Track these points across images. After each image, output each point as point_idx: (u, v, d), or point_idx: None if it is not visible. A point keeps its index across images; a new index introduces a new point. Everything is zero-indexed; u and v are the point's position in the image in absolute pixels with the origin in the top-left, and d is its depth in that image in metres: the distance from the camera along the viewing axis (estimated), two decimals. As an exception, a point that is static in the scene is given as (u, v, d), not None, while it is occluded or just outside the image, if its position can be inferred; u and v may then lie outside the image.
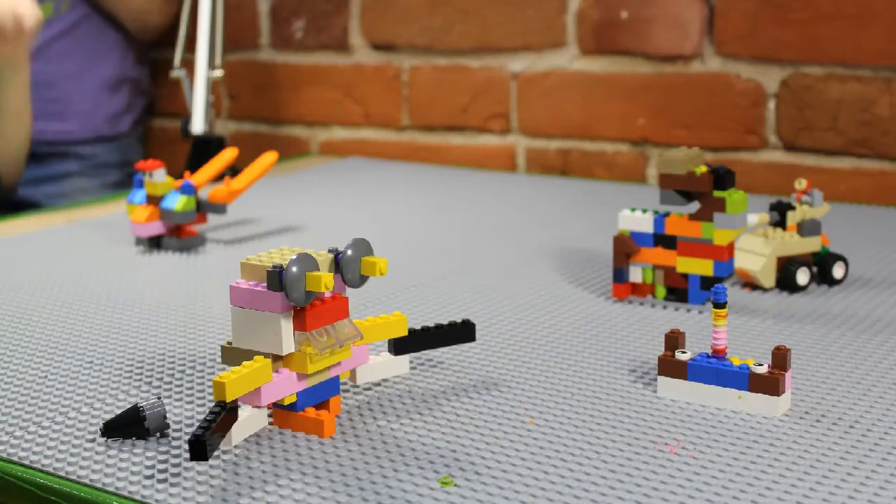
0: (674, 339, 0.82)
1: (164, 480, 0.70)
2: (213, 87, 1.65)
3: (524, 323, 0.99)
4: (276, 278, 0.72)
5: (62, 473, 0.71)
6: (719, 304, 0.79)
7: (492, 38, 1.74)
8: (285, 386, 0.74)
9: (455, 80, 1.78)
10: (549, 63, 1.70)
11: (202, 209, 1.25)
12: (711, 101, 1.59)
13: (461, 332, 0.85)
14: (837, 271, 1.08)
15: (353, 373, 0.82)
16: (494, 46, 1.74)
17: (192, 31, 1.67)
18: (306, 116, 1.93)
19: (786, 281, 1.06)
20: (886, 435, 0.75)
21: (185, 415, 0.79)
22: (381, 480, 0.69)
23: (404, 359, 0.85)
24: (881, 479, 0.68)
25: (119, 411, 0.80)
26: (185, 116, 1.65)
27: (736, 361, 0.79)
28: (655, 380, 0.84)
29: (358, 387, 0.84)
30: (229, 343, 0.76)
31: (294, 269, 0.72)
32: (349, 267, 0.76)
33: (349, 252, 0.76)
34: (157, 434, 0.76)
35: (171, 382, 0.86)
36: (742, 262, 1.07)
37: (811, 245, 1.07)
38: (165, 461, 0.72)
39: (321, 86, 1.91)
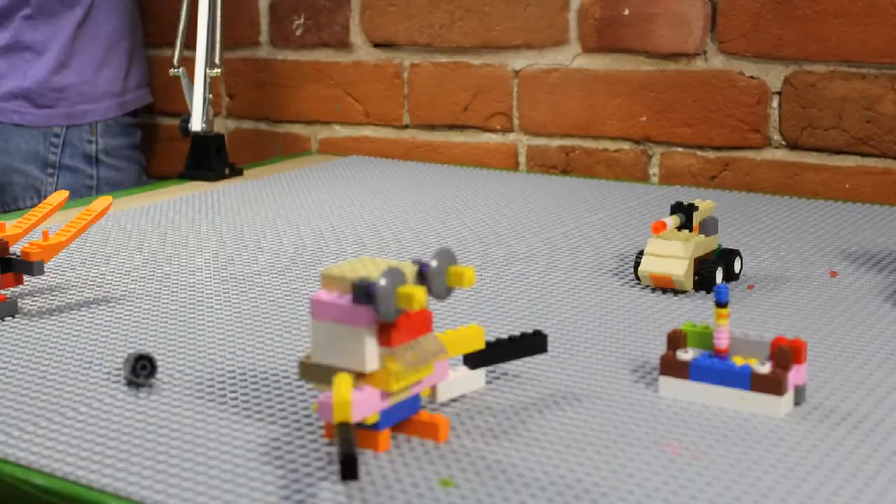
0: (676, 339, 0.81)
1: (163, 481, 0.69)
2: (211, 85, 1.65)
3: (524, 323, 0.98)
4: (364, 292, 0.68)
5: (60, 474, 0.71)
6: (721, 304, 0.78)
7: (493, 35, 1.73)
8: (369, 404, 0.71)
9: (456, 78, 1.78)
10: (550, 61, 1.70)
11: (14, 269, 1.03)
12: (714, 99, 1.59)
13: (535, 344, 0.83)
14: (737, 266, 1.08)
15: (433, 389, 0.79)
16: (496, 44, 1.74)
17: (192, 30, 1.66)
18: (306, 114, 1.93)
19: (705, 282, 1.05)
20: (890, 435, 0.74)
21: (172, 417, 0.79)
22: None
23: (480, 373, 0.83)
24: (885, 479, 0.68)
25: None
26: (185, 115, 1.65)
27: (738, 361, 0.79)
28: (657, 380, 0.83)
29: (434, 403, 0.81)
30: (308, 357, 0.73)
31: (384, 282, 0.68)
32: (435, 279, 0.72)
33: (434, 263, 0.72)
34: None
35: (170, 382, 0.85)
36: (659, 267, 1.05)
37: (714, 243, 1.08)
38: (164, 461, 0.72)
39: (321, 84, 1.90)
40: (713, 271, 1.05)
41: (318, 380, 0.72)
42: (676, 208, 1.07)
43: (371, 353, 0.70)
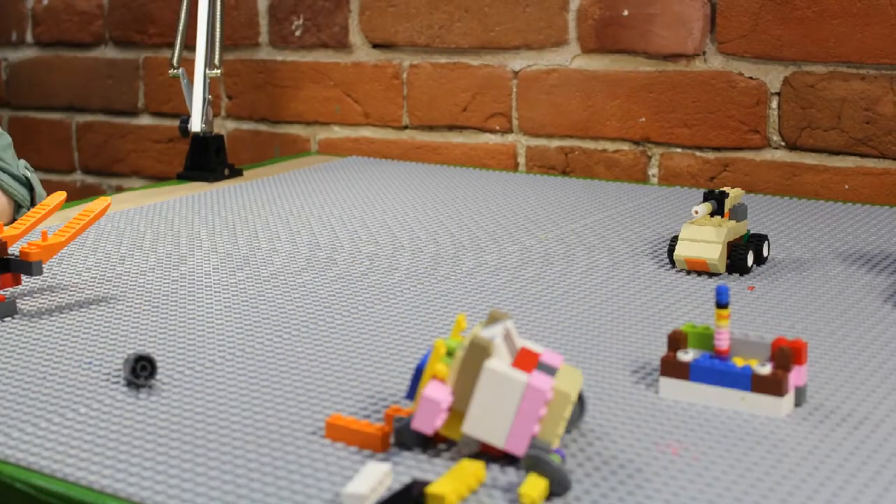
0: (676, 340, 0.81)
1: (163, 482, 0.69)
2: (211, 85, 1.65)
3: (524, 323, 0.98)
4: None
5: (60, 475, 0.71)
6: (722, 305, 0.78)
7: (492, 36, 1.73)
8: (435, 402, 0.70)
9: (455, 79, 1.78)
10: (549, 61, 1.70)
11: (12, 269, 1.03)
12: (713, 100, 1.58)
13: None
14: (766, 250, 1.13)
15: None
16: (495, 44, 1.73)
17: (191, 30, 1.66)
18: (305, 115, 1.93)
19: (737, 264, 1.10)
20: (890, 436, 0.74)
21: (172, 418, 0.79)
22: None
23: None
24: (885, 480, 0.68)
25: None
26: (184, 115, 1.65)
27: (739, 362, 0.79)
28: (657, 381, 0.83)
29: None
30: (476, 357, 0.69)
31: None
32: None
33: (577, 406, 0.75)
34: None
35: (170, 383, 0.85)
36: (693, 251, 1.10)
37: (743, 228, 1.12)
38: (164, 462, 0.72)
39: (320, 84, 1.90)
40: (745, 254, 1.09)
41: (456, 367, 0.70)
42: (709, 195, 1.12)
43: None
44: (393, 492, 0.65)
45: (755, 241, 1.12)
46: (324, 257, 1.20)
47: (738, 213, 1.12)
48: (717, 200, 1.11)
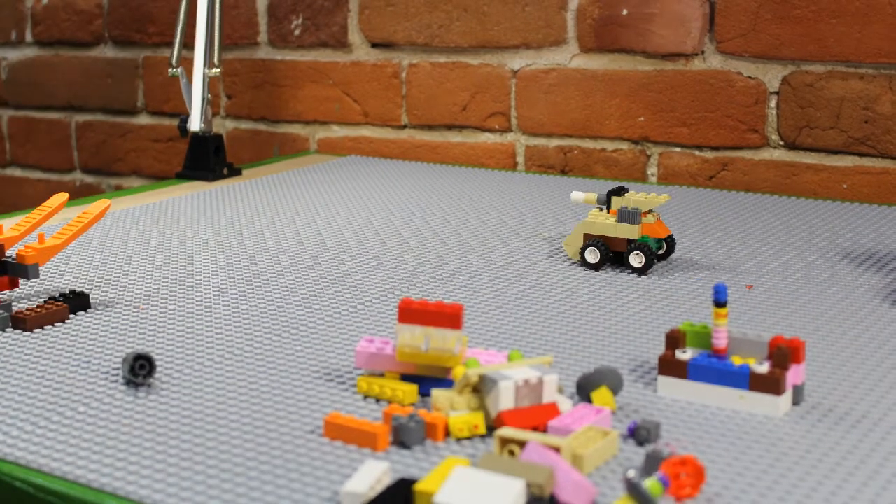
0: (674, 339, 0.81)
1: (161, 481, 0.69)
2: (210, 84, 1.65)
3: (522, 322, 0.98)
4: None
5: (59, 473, 0.71)
6: (720, 304, 0.78)
7: (491, 35, 1.73)
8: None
9: (454, 78, 1.78)
10: (549, 61, 1.70)
11: (9, 272, 1.01)
12: (712, 99, 1.59)
13: None
14: (633, 259, 1.12)
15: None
16: (494, 44, 1.74)
17: (190, 30, 1.66)
18: (304, 114, 1.93)
19: (584, 257, 1.14)
20: (888, 434, 0.74)
21: (171, 417, 0.79)
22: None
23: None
24: (883, 478, 0.68)
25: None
26: (183, 115, 1.65)
27: (737, 361, 0.79)
28: (656, 379, 0.83)
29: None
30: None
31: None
32: (586, 386, 0.79)
33: (593, 375, 0.79)
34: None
35: (169, 382, 0.85)
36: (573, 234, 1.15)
37: (625, 231, 1.12)
38: (163, 461, 0.72)
39: (319, 84, 1.90)
40: (583, 250, 1.13)
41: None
42: (611, 191, 1.13)
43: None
44: (379, 491, 0.65)
45: (633, 249, 1.11)
46: (323, 257, 1.20)
47: (621, 216, 1.11)
48: (611, 195, 1.13)
